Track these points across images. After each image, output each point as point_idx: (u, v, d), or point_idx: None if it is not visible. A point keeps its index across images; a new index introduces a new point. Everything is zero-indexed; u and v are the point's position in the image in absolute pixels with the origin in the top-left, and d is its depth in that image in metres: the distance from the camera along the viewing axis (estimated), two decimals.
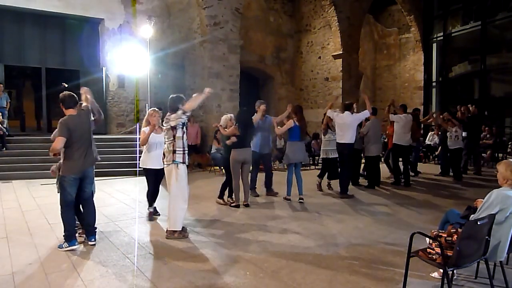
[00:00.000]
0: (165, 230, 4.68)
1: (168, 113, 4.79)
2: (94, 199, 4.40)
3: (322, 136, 7.64)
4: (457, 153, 8.97)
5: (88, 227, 4.29)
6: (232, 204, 6.23)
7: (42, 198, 6.60)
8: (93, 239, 4.26)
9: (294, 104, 7.31)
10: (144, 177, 5.65)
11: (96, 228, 4.39)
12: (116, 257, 3.97)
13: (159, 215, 5.57)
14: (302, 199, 6.55)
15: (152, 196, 5.56)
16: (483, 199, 3.08)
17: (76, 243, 4.14)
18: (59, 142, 3.94)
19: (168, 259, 3.93)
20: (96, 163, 4.38)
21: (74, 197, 4.15)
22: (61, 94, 4.20)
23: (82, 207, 4.31)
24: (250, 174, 6.72)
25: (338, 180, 7.34)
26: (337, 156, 7.32)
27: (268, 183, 7.22)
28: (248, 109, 6.57)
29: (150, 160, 5.41)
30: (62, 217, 4.15)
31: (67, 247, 4.09)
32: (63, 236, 4.14)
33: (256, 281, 3.37)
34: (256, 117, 6.72)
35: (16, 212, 5.78)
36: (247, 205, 6.22)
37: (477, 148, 10.12)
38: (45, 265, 3.73)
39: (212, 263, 3.81)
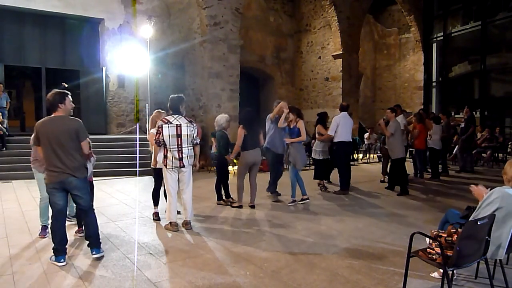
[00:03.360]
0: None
1: (171, 113, 4.83)
2: (94, 199, 4.35)
3: (317, 137, 7.66)
4: (432, 152, 9.11)
5: (89, 238, 3.93)
6: (234, 205, 6.15)
7: None
8: (94, 252, 3.87)
9: (290, 104, 7.37)
10: (146, 176, 5.63)
11: (99, 240, 3.99)
12: (116, 257, 3.97)
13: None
14: (308, 198, 6.51)
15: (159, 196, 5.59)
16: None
17: (62, 260, 3.71)
18: (38, 152, 3.86)
19: (168, 259, 3.93)
20: (96, 163, 4.25)
21: (62, 208, 3.78)
22: (47, 95, 3.84)
23: (81, 218, 4.04)
24: (270, 176, 6.82)
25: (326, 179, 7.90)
26: (325, 157, 7.55)
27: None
28: (252, 109, 6.39)
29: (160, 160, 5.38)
30: (50, 228, 3.82)
31: (53, 260, 3.75)
32: (52, 248, 3.79)
33: (256, 281, 3.37)
34: (272, 115, 6.55)
35: (16, 212, 5.78)
36: (253, 207, 6.07)
37: (471, 148, 10.35)
38: (45, 265, 3.72)
39: (212, 263, 3.81)
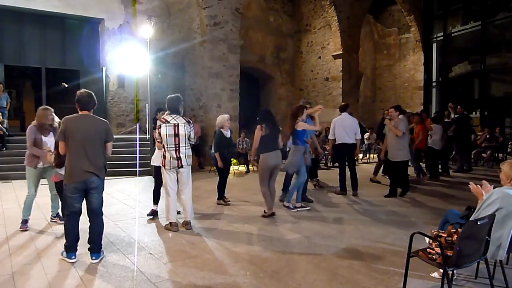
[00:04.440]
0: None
1: (169, 113, 4.86)
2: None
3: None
4: (431, 152, 9.13)
5: (91, 243, 3.85)
6: (266, 214, 5.57)
7: (42, 198, 6.58)
8: (94, 257, 3.81)
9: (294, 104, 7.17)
10: (146, 176, 5.64)
11: (101, 246, 3.93)
12: (116, 257, 3.97)
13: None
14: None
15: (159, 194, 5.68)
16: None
17: (73, 257, 3.78)
18: (60, 148, 3.80)
19: (168, 259, 3.93)
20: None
21: (78, 209, 3.80)
22: (78, 92, 3.87)
23: (89, 220, 3.93)
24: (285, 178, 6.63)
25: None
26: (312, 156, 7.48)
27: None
28: (269, 109, 5.96)
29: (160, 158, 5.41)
30: (64, 226, 3.88)
31: (64, 256, 3.83)
32: (64, 245, 3.84)
33: (256, 281, 3.37)
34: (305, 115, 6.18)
35: (16, 212, 5.77)
36: (272, 214, 5.57)
37: (466, 147, 10.34)
38: (45, 265, 3.72)
39: (212, 263, 3.81)
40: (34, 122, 4.87)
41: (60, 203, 4.78)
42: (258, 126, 5.55)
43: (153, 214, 5.54)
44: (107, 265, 3.75)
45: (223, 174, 6.47)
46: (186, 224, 4.96)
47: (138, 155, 9.23)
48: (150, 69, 12.37)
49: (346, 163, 7.30)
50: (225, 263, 3.79)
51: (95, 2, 12.08)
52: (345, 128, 7.11)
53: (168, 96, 5.00)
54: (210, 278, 3.44)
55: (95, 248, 3.87)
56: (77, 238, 3.85)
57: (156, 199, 5.63)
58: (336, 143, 7.22)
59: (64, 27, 12.39)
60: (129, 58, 12.21)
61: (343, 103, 7.62)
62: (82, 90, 3.95)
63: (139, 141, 10.23)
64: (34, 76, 14.14)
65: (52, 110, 4.95)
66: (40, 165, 4.86)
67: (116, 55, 12.44)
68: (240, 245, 4.34)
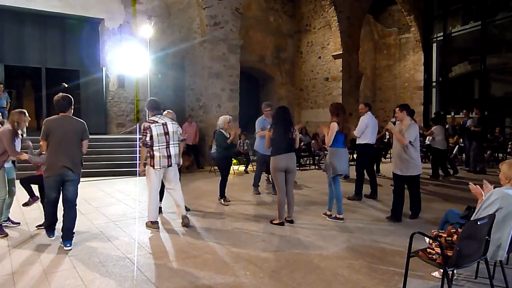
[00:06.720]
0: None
1: (155, 114, 5.01)
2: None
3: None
4: (437, 153, 9.19)
5: (66, 230, 4.18)
6: (274, 222, 5.21)
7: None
8: (68, 245, 4.14)
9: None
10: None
11: (73, 234, 4.24)
12: (116, 257, 3.97)
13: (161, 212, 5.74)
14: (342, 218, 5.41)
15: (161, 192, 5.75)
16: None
17: (52, 236, 4.41)
18: (42, 146, 4.26)
19: (168, 259, 3.93)
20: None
21: (56, 196, 4.24)
22: (55, 97, 4.25)
23: (63, 209, 4.22)
24: (255, 171, 6.50)
25: None
26: None
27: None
28: (285, 107, 5.47)
29: None
30: (44, 210, 4.50)
31: (61, 243, 4.21)
32: (44, 226, 4.55)
33: (256, 281, 3.37)
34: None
35: (16, 212, 5.77)
36: (291, 222, 5.21)
37: (479, 148, 10.29)
38: (45, 265, 3.73)
39: (212, 263, 3.81)
40: (10, 125, 4.62)
41: (10, 207, 5.02)
42: (268, 127, 5.38)
43: (160, 210, 5.68)
44: (107, 265, 3.75)
45: (224, 173, 6.52)
46: (184, 218, 4.99)
47: (138, 155, 9.22)
48: (150, 69, 12.40)
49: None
50: (225, 263, 3.79)
51: (95, 2, 12.07)
52: (374, 128, 6.82)
53: (149, 99, 5.24)
54: (210, 278, 3.44)
55: (69, 235, 4.19)
56: (54, 220, 4.46)
57: (161, 196, 5.74)
58: (363, 143, 6.78)
59: (64, 27, 12.38)
60: (129, 58, 12.23)
61: (367, 102, 7.27)
62: (59, 95, 4.30)
63: (139, 141, 10.22)
64: (34, 76, 14.14)
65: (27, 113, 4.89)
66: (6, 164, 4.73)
67: (116, 55, 12.44)
68: (240, 245, 4.34)
